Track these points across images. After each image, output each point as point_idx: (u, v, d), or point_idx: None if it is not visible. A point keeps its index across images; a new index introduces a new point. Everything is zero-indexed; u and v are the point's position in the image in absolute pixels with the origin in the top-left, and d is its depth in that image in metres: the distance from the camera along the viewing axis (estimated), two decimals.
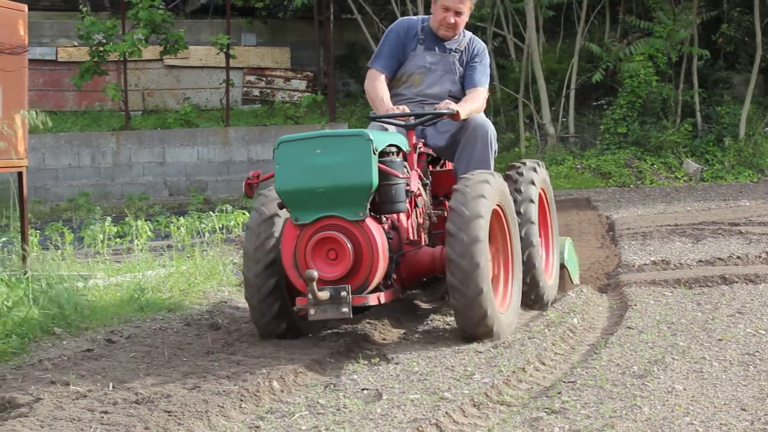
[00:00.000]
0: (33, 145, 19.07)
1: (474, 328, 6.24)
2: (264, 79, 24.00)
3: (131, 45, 20.27)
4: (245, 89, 23.94)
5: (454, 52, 7.26)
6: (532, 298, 7.23)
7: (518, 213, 7.08)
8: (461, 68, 7.25)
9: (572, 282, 8.06)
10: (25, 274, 7.35)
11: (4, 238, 7.39)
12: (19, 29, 7.38)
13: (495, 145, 7.09)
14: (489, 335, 6.27)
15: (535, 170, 7.46)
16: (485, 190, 6.25)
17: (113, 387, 5.59)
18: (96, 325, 7.19)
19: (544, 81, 19.83)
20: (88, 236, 12.95)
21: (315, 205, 5.98)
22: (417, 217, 6.64)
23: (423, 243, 6.62)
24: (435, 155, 7.26)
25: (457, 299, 6.15)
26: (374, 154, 5.97)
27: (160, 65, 23.59)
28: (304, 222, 6.02)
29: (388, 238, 6.18)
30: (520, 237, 6.98)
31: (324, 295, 5.80)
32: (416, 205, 6.63)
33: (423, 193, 6.67)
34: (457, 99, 7.08)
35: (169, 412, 5.01)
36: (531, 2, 19.74)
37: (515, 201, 7.08)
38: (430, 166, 7.27)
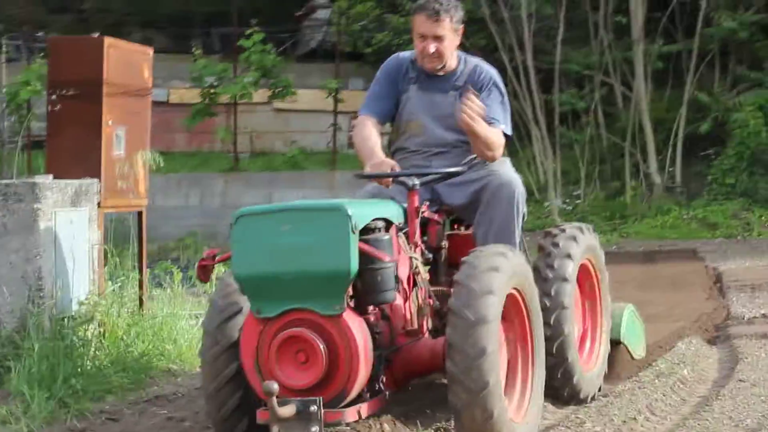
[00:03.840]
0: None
1: None
2: None
3: (242, 88, 20.68)
4: (351, 133, 24.18)
5: (453, 89, 6.01)
6: (565, 394, 6.04)
7: (549, 295, 5.89)
8: None
9: (633, 358, 7.00)
10: (141, 310, 7.53)
11: (122, 277, 7.59)
12: (144, 72, 7.62)
13: (523, 209, 5.92)
14: None
15: (575, 239, 6.15)
16: (500, 264, 5.08)
17: None
18: None
19: (651, 130, 19.75)
20: (195, 280, 13.24)
21: (281, 294, 4.81)
22: (417, 300, 5.33)
23: (425, 332, 5.34)
24: (449, 218, 6.13)
25: (456, 394, 4.88)
26: (353, 233, 4.81)
27: (268, 108, 23.95)
28: (268, 315, 4.84)
29: (375, 333, 5.00)
30: (550, 324, 5.82)
31: (288, 411, 4.63)
32: (416, 285, 5.35)
33: (421, 270, 5.39)
34: (461, 148, 5.96)
35: None
36: (640, 51, 19.70)
37: (546, 279, 5.94)
38: (455, 225, 6.22)
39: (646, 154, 19.95)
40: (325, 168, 21.86)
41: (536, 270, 5.92)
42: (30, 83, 19.35)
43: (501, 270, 5.02)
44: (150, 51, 7.80)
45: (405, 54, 6.17)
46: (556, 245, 6.08)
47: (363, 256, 4.86)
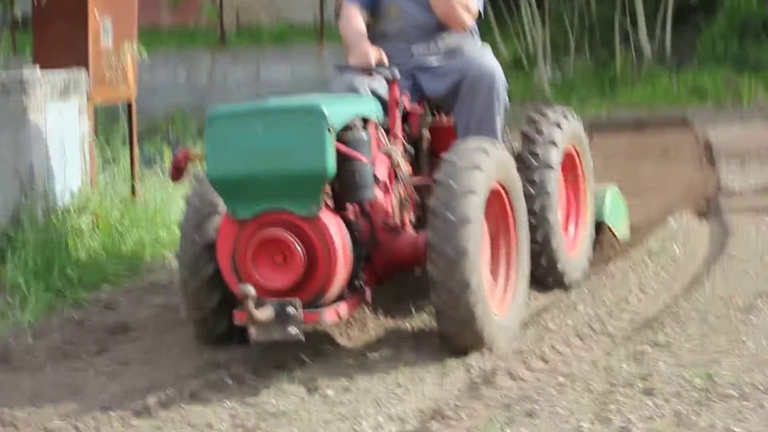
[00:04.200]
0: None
1: (458, 333, 4.93)
2: None
3: None
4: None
5: None
6: (550, 280, 6.03)
7: (533, 182, 5.85)
8: None
9: (617, 238, 6.99)
10: (133, 198, 7.55)
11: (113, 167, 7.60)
12: None
13: (504, 98, 5.82)
14: (477, 344, 4.94)
15: (559, 125, 6.10)
16: (481, 161, 4.97)
17: None
18: None
19: None
20: None
21: (257, 196, 4.74)
22: (398, 194, 5.34)
23: (407, 226, 5.38)
24: (430, 109, 6.01)
25: (438, 295, 4.87)
26: (330, 132, 4.72)
27: None
28: (244, 217, 4.78)
29: (355, 231, 4.95)
30: (534, 212, 5.79)
31: (265, 314, 4.61)
32: (396, 179, 5.34)
33: (401, 164, 5.39)
34: (442, 30, 5.90)
35: None
36: None
37: (530, 167, 5.90)
38: (437, 113, 6.04)
39: (636, 23, 19.80)
40: (313, 42, 21.64)
41: (520, 158, 5.88)
42: None
43: (482, 167, 4.93)
44: None
45: None
46: (539, 132, 6.02)
47: (340, 156, 4.79)
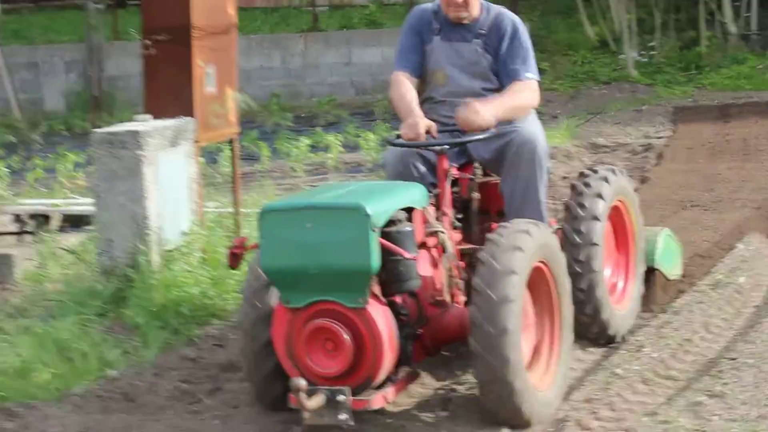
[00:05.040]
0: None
1: (498, 407, 5.19)
2: None
3: None
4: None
5: (477, 37, 6.17)
6: (595, 332, 6.25)
7: (579, 232, 6.15)
8: (489, 56, 6.16)
9: (668, 279, 7.19)
10: (238, 232, 8.17)
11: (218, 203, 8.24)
12: (228, 9, 8.10)
13: (546, 164, 6.10)
14: (517, 418, 5.18)
15: (606, 180, 6.34)
16: (523, 242, 5.23)
17: None
18: None
19: None
20: (283, 152, 13.96)
21: (308, 287, 5.02)
22: (448, 265, 5.49)
23: (457, 298, 5.56)
24: (477, 176, 6.18)
25: (479, 369, 5.14)
26: (373, 231, 4.96)
27: None
28: (296, 306, 5.08)
29: (402, 315, 5.23)
30: (580, 261, 6.09)
31: (317, 402, 4.91)
32: (445, 251, 5.51)
33: (448, 243, 5.52)
34: (487, 96, 6.07)
35: None
36: None
37: (577, 218, 6.18)
38: (488, 171, 6.24)
39: (722, 2, 19.93)
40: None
41: (568, 209, 6.26)
42: None
43: (524, 248, 5.19)
44: None
45: (427, 5, 6.29)
46: (587, 185, 6.28)
47: (384, 250, 5.04)
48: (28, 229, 9.40)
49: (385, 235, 5.09)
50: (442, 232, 5.55)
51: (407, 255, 5.10)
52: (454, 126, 6.00)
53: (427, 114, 6.01)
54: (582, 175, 6.40)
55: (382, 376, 5.09)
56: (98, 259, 7.39)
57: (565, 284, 5.62)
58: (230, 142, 8.41)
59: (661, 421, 5.21)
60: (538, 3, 22.84)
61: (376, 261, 4.98)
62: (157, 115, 7.60)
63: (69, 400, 5.94)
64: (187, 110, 7.70)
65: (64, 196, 10.87)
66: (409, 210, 5.39)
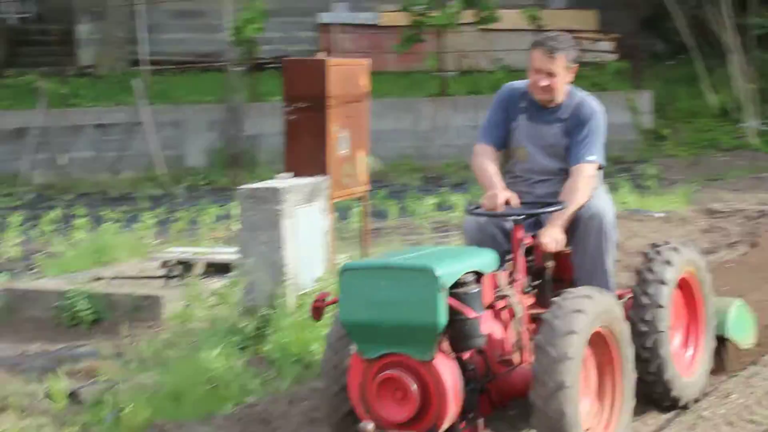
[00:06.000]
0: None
1: None
2: None
3: (448, 18, 21.87)
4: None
5: (558, 121, 6.53)
6: (659, 392, 6.47)
7: (647, 294, 6.38)
8: (567, 139, 6.50)
9: (740, 349, 7.41)
10: None
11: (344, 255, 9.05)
12: (361, 81, 9.00)
13: (614, 236, 6.44)
14: None
15: (676, 250, 6.57)
16: (584, 306, 5.58)
17: None
18: None
19: None
20: (410, 210, 14.76)
21: (381, 340, 5.45)
22: (518, 327, 5.89)
23: (525, 359, 5.86)
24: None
25: (538, 422, 5.49)
26: (441, 291, 5.34)
27: (473, 29, 25.02)
28: (370, 357, 5.48)
29: (468, 370, 5.59)
30: (646, 321, 6.34)
31: None
32: (514, 314, 5.90)
33: (516, 306, 5.89)
34: (563, 175, 6.48)
35: None
36: None
37: (646, 281, 6.41)
38: None
39: None
40: None
41: (638, 274, 6.50)
42: (254, 21, 20.91)
43: (585, 311, 5.54)
44: (366, 63, 9.16)
45: (518, 84, 6.66)
46: (658, 253, 6.52)
47: (452, 310, 5.41)
48: (174, 274, 10.10)
49: (453, 295, 5.47)
50: (511, 296, 5.93)
51: (472, 314, 5.47)
52: (530, 200, 6.43)
53: (508, 187, 6.42)
54: (654, 245, 6.67)
55: (446, 424, 5.45)
56: (241, 300, 8.26)
57: (628, 351, 5.93)
58: (360, 199, 9.25)
59: None
60: (661, 71, 23.35)
61: (442, 318, 5.36)
62: (296, 174, 8.49)
63: (213, 421, 6.78)
64: (322, 170, 8.57)
65: (206, 245, 11.72)
66: (477, 275, 5.74)
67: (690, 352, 6.87)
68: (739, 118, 20.44)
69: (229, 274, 9.17)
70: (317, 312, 5.91)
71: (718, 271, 10.15)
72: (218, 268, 9.75)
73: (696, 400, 6.67)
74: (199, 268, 9.79)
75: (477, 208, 6.36)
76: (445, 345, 5.50)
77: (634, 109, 20.28)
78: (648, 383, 6.37)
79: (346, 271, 5.57)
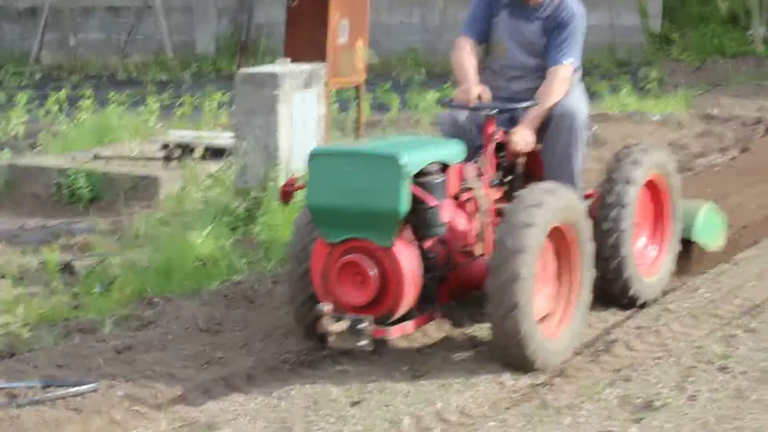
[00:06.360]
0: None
1: (505, 348, 5.68)
2: None
3: None
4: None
5: (537, 19, 6.56)
6: (616, 291, 6.59)
7: (612, 193, 6.46)
8: (545, 38, 6.54)
9: (708, 251, 7.54)
10: None
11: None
12: None
13: (584, 135, 6.52)
14: (521, 358, 5.66)
15: (646, 151, 6.68)
16: (544, 200, 5.68)
17: None
18: None
19: None
20: (412, 104, 14.89)
21: (344, 225, 5.59)
22: (483, 219, 5.95)
23: (488, 250, 5.85)
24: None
25: (491, 311, 5.63)
26: (405, 179, 5.48)
27: None
28: (333, 241, 5.63)
29: (429, 258, 5.74)
30: (610, 219, 6.41)
31: (341, 326, 5.45)
32: (479, 206, 5.98)
33: (481, 199, 5.97)
34: (539, 73, 6.52)
35: None
36: None
37: (612, 180, 6.50)
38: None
39: None
40: None
41: (600, 194, 6.56)
42: None
43: (544, 206, 5.63)
44: None
45: None
46: (627, 154, 6.62)
47: (415, 198, 5.56)
48: (174, 156, 10.34)
49: (417, 184, 5.61)
50: (477, 188, 6.03)
51: (433, 202, 5.63)
52: (506, 96, 6.48)
53: (484, 83, 6.45)
54: (625, 146, 6.80)
55: (402, 309, 5.64)
56: (233, 182, 8.50)
57: (587, 247, 6.02)
58: (357, 88, 9.44)
59: (695, 346, 6.08)
60: None
61: (404, 205, 5.52)
62: (295, 60, 8.67)
63: (200, 296, 7.07)
64: (320, 57, 8.76)
65: (208, 129, 11.89)
66: (443, 166, 5.89)
67: (653, 253, 6.97)
68: (747, 25, 20.38)
69: (226, 158, 9.38)
70: (286, 196, 6.06)
71: (705, 174, 10.44)
72: (217, 152, 9.94)
73: (654, 300, 6.82)
74: (198, 152, 9.98)
75: (451, 101, 6.47)
76: (407, 233, 5.65)
77: (644, 12, 20.22)
78: (608, 281, 6.51)
79: (314, 156, 5.73)
